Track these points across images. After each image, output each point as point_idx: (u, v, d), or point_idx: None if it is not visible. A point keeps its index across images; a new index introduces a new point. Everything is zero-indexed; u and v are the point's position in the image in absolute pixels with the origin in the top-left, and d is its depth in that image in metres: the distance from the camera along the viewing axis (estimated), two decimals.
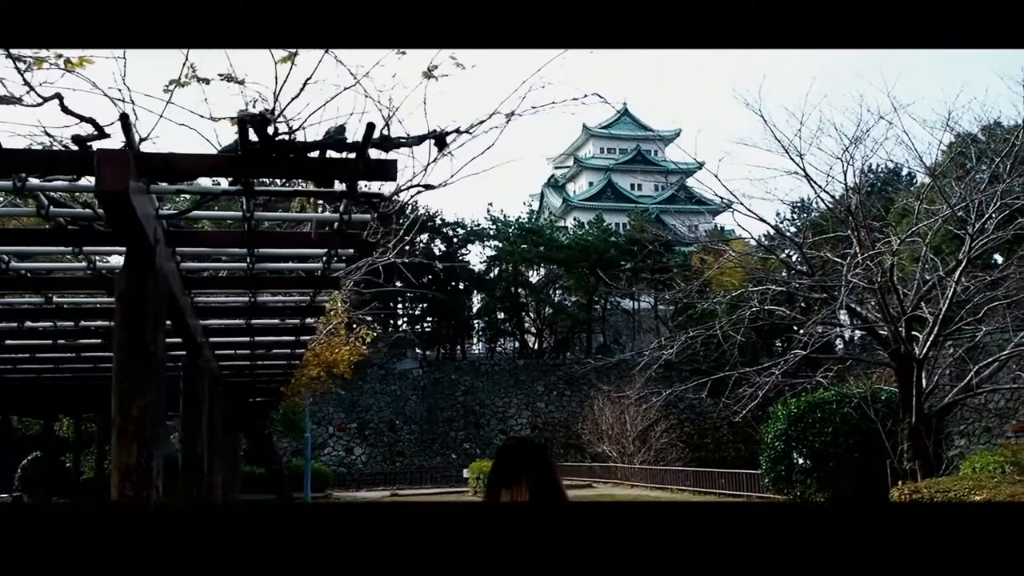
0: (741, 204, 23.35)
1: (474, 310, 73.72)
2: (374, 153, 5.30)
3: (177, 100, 5.37)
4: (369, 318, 18.52)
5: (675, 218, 61.51)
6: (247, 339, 12.00)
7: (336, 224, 6.45)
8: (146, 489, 5.21)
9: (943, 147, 23.95)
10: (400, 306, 73.45)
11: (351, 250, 7.21)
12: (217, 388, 14.55)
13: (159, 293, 5.56)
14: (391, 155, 5.48)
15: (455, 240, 70.96)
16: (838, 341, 56.00)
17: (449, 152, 5.66)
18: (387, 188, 6.60)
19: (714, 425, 56.91)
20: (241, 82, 5.75)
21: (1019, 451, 19.86)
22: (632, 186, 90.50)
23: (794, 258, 25.71)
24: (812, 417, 25.19)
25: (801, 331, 22.68)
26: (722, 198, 23.93)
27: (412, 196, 6.50)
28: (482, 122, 5.59)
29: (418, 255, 12.94)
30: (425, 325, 73.24)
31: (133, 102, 5.34)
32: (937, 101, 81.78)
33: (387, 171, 5.20)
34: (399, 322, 73.61)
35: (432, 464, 60.27)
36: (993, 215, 20.38)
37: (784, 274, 24.29)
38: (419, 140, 5.44)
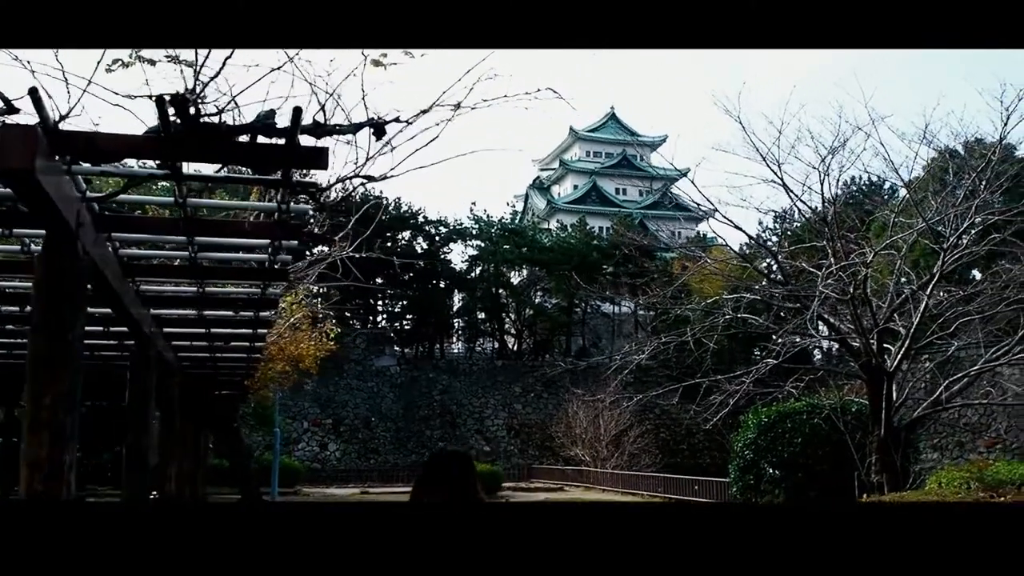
0: (717, 212, 23.33)
1: (454, 309, 73.45)
2: (308, 140, 5.10)
3: (123, 81, 5.16)
4: (331, 313, 18.21)
5: (658, 224, 61.47)
6: (203, 331, 11.76)
7: (276, 214, 6.24)
8: (57, 484, 4.99)
9: (924, 161, 23.93)
10: (380, 303, 73.31)
11: (295, 242, 6.98)
12: (174, 380, 14.31)
13: (80, 278, 5.34)
14: (328, 143, 5.29)
15: (437, 238, 70.60)
16: (816, 351, 56.04)
17: (390, 143, 5.46)
18: (333, 177, 6.40)
19: (690, 431, 56.65)
20: (191, 64, 5.54)
21: (985, 467, 19.81)
22: (617, 190, 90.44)
23: (774, 267, 25.68)
24: (782, 427, 25.06)
25: (779, 340, 22.55)
26: (697, 204, 23.87)
27: (355, 187, 6.25)
28: (424, 112, 5.39)
29: (376, 251, 12.65)
30: (404, 323, 72.93)
31: (66, 80, 5.13)
32: (915, 114, 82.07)
33: (318, 159, 4.98)
34: (378, 318, 73.41)
35: (407, 462, 59.85)
36: (969, 229, 20.36)
37: (764, 282, 24.20)
38: (356, 128, 5.23)
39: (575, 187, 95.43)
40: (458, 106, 5.73)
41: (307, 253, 14.98)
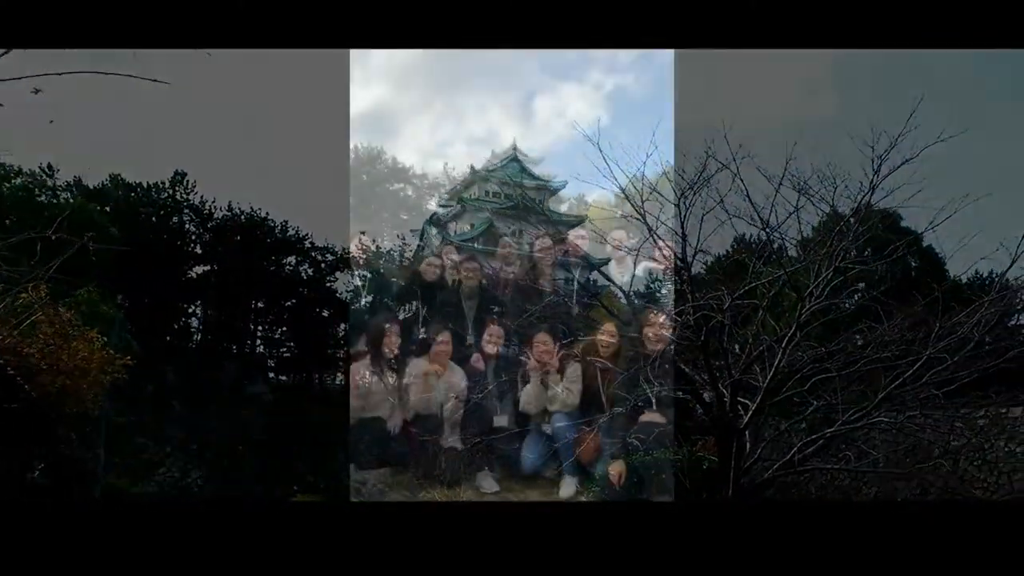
0: (582, 259, 22.25)
1: (337, 339, 71.44)
2: None
3: None
4: (70, 318, 16.06)
5: (554, 269, 60.58)
6: None
7: None
8: None
9: (790, 204, 22.95)
10: (259, 327, 70.80)
11: None
12: None
13: None
14: None
15: (323, 265, 68.74)
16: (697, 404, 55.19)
17: None
18: None
19: None
20: None
21: None
22: (514, 232, 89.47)
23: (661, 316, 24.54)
24: (628, 482, 23.61)
25: (621, 387, 21.11)
26: (582, 253, 23.00)
27: None
28: None
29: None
30: (283, 350, 70.64)
31: None
32: (783, 156, 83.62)
33: None
34: (256, 343, 70.99)
35: (271, 495, 57.57)
36: (832, 281, 19.41)
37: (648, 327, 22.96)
38: None
39: (472, 225, 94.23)
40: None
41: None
